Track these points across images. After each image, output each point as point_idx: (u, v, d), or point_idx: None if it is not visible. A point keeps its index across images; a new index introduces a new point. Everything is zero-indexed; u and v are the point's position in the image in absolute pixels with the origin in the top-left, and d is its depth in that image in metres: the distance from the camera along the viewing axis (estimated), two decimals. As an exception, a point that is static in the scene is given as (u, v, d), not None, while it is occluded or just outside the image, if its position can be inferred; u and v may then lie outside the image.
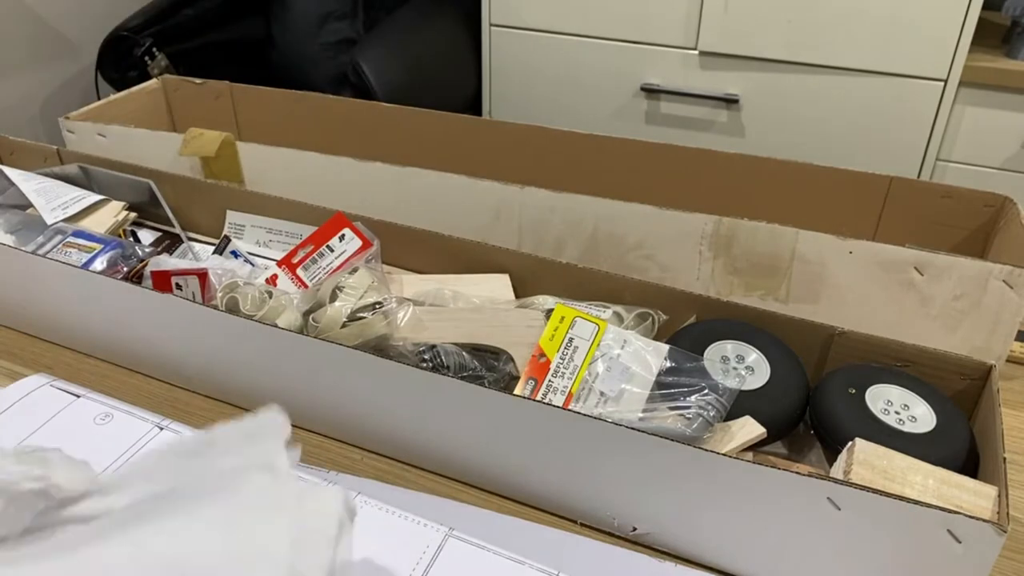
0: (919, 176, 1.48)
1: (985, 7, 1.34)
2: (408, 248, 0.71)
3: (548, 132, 0.89)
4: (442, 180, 0.77)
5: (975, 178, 1.46)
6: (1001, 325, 0.65)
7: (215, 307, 0.60)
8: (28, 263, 0.65)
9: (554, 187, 0.74)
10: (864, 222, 0.80)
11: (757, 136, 1.56)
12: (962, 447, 0.52)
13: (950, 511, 0.43)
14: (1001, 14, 1.42)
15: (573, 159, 0.89)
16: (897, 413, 0.54)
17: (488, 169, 0.92)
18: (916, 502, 0.43)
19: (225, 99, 1.04)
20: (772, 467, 0.46)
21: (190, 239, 0.78)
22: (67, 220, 0.75)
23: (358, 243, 0.68)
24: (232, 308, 0.60)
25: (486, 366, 0.59)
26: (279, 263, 0.69)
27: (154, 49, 1.49)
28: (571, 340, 0.58)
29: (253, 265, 0.72)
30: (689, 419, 0.53)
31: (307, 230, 0.74)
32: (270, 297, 0.61)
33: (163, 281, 0.65)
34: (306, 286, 0.68)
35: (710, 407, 0.53)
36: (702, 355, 0.57)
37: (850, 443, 0.50)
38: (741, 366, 0.58)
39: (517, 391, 0.56)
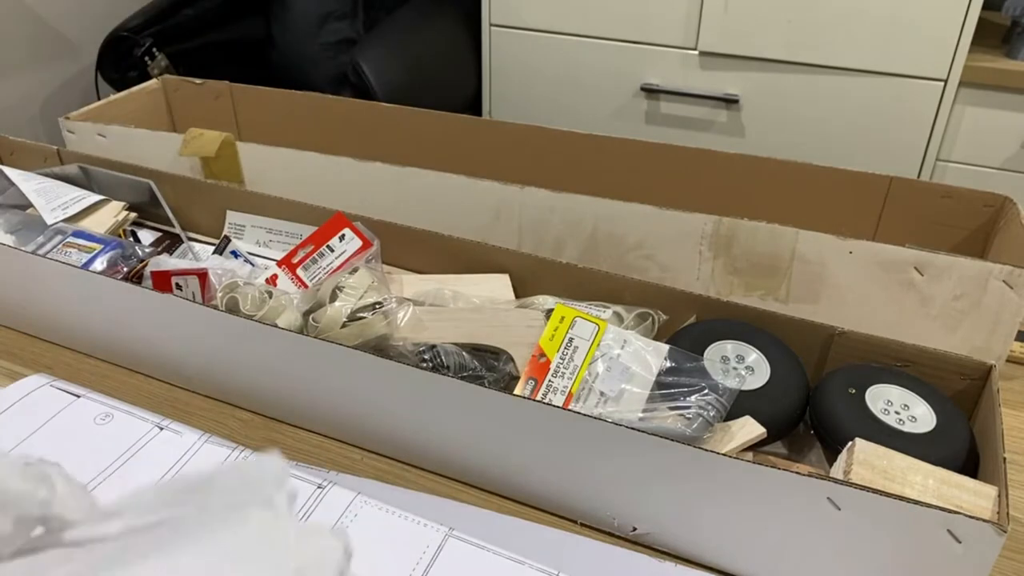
0: (919, 176, 1.48)
1: (985, 7, 1.34)
2: (408, 248, 0.71)
3: (548, 132, 0.89)
4: (442, 180, 0.77)
5: (975, 178, 1.46)
6: (1001, 325, 0.65)
7: (215, 307, 0.60)
8: (28, 263, 0.65)
9: (554, 187, 0.74)
10: (864, 222, 0.80)
11: (757, 136, 1.56)
12: (962, 447, 0.52)
13: (950, 511, 0.43)
14: (1001, 14, 1.42)
15: (573, 159, 0.89)
16: (897, 413, 0.54)
17: (488, 169, 0.92)
18: (916, 502, 0.43)
19: (225, 99, 1.04)
20: (772, 467, 0.46)
21: (190, 239, 0.78)
22: (67, 220, 0.75)
23: (358, 243, 0.68)
24: (232, 308, 0.60)
25: (486, 366, 0.59)
26: (279, 263, 0.68)
27: (154, 49, 1.49)
28: (571, 340, 0.58)
29: (253, 265, 0.72)
30: (689, 419, 0.53)
31: (307, 230, 0.74)
32: (270, 297, 0.61)
33: (163, 281, 0.65)
34: (306, 286, 0.68)
35: (710, 407, 0.53)
36: (702, 355, 0.57)
37: (850, 443, 0.50)
38: (741, 366, 0.58)
39: (517, 391, 0.56)
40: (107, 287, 0.62)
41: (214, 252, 0.74)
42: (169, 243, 0.77)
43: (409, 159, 0.89)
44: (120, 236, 0.76)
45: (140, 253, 0.71)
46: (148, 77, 1.25)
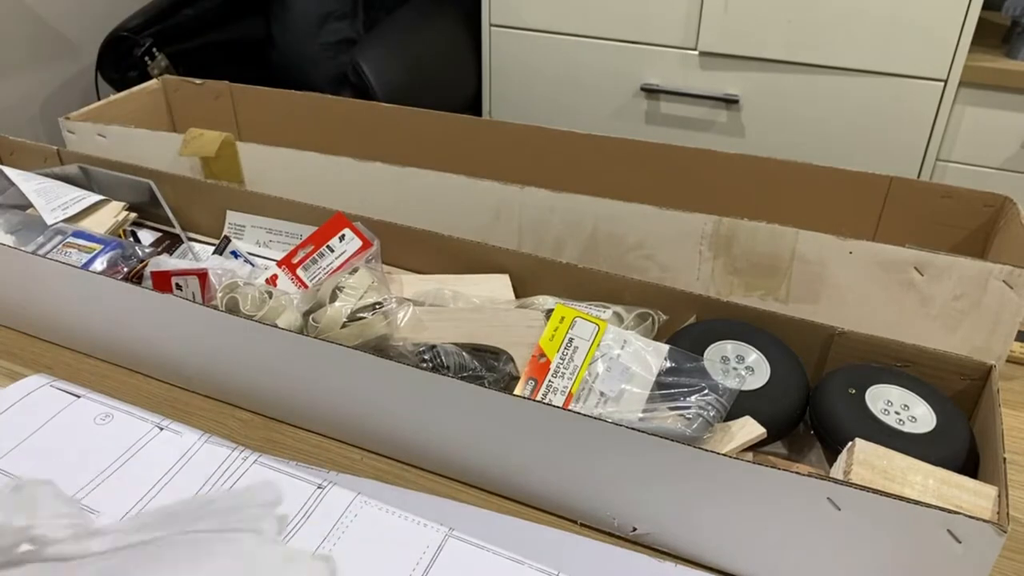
0: (919, 176, 1.48)
1: (985, 7, 1.34)
2: (408, 248, 0.71)
3: (548, 132, 0.89)
4: (442, 180, 0.77)
5: (975, 178, 1.46)
6: (1001, 325, 0.65)
7: (215, 307, 0.60)
8: (28, 263, 0.65)
9: (554, 187, 0.74)
10: (864, 222, 0.80)
11: (757, 136, 1.56)
12: (962, 447, 0.52)
13: (950, 511, 0.43)
14: (1001, 14, 1.42)
15: (573, 159, 0.89)
16: (897, 413, 0.54)
17: (488, 169, 0.92)
18: (916, 502, 0.43)
19: (225, 99, 1.04)
20: (772, 467, 0.46)
21: (190, 239, 0.78)
22: (67, 220, 0.75)
23: (358, 243, 0.68)
24: (232, 308, 0.60)
25: (486, 366, 0.59)
26: (279, 263, 0.68)
27: (154, 49, 1.49)
28: (571, 340, 0.58)
29: (253, 265, 0.72)
30: (689, 419, 0.53)
31: (307, 230, 0.74)
32: (270, 297, 0.61)
33: (163, 281, 0.65)
34: (306, 286, 0.68)
35: (710, 407, 0.53)
36: (702, 355, 0.57)
37: (850, 443, 0.50)
38: (741, 366, 0.58)
39: (517, 391, 0.56)
40: (107, 287, 0.62)
41: (214, 252, 0.74)
42: (169, 243, 0.77)
43: (409, 159, 0.89)
44: (120, 236, 0.76)
45: (140, 253, 0.71)
46: (148, 77, 1.25)
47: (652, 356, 0.57)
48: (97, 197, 0.79)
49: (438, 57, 1.66)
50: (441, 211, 0.79)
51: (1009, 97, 1.38)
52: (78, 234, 0.73)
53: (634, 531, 0.52)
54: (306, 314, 0.61)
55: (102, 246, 0.71)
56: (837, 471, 0.50)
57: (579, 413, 0.49)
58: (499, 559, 0.50)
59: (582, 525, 0.54)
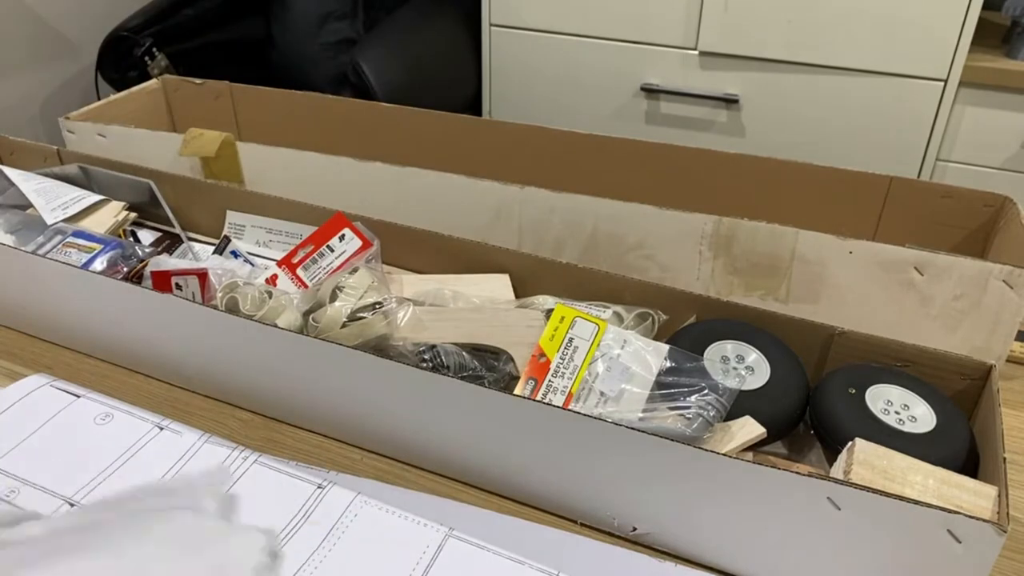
0: (919, 176, 1.48)
1: (985, 7, 1.34)
2: (408, 248, 0.71)
3: (548, 132, 0.89)
4: (442, 180, 0.77)
5: (975, 178, 1.46)
6: (1001, 325, 0.65)
7: (215, 307, 0.60)
8: (28, 263, 0.65)
9: (554, 187, 0.74)
10: (864, 222, 0.80)
11: (757, 136, 1.56)
12: (962, 447, 0.52)
13: (950, 511, 0.43)
14: (1001, 14, 1.42)
15: (573, 159, 0.89)
16: (897, 413, 0.54)
17: (488, 169, 0.92)
18: (916, 502, 0.43)
19: (225, 99, 1.04)
20: (772, 467, 0.46)
21: (190, 239, 0.78)
22: (67, 220, 0.75)
23: (358, 243, 0.68)
24: (232, 308, 0.60)
25: (486, 366, 0.59)
26: (279, 263, 0.68)
27: (154, 49, 1.49)
28: (571, 340, 0.58)
29: (253, 265, 0.72)
30: (689, 419, 0.53)
31: (307, 230, 0.74)
32: (270, 297, 0.61)
33: (163, 281, 0.65)
34: (306, 286, 0.68)
35: (710, 407, 0.53)
36: (702, 355, 0.57)
37: (850, 443, 0.50)
38: (741, 366, 0.58)
39: (517, 391, 0.56)
40: (107, 287, 0.62)
41: (214, 252, 0.74)
42: (169, 243, 0.77)
43: (409, 159, 0.89)
44: (120, 236, 0.76)
45: (140, 253, 0.71)
46: (148, 77, 1.25)
47: (652, 356, 0.57)
48: (97, 197, 0.79)
49: (438, 57, 1.66)
50: (441, 211, 0.79)
51: (1009, 97, 1.38)
52: (78, 234, 0.73)
53: (634, 531, 0.52)
54: (306, 314, 0.61)
55: (102, 246, 0.71)
56: (837, 471, 0.50)
57: (579, 413, 0.49)
58: (499, 559, 0.50)
59: (582, 525, 0.54)
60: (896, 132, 1.45)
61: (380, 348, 0.59)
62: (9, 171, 0.79)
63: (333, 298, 0.61)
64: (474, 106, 1.75)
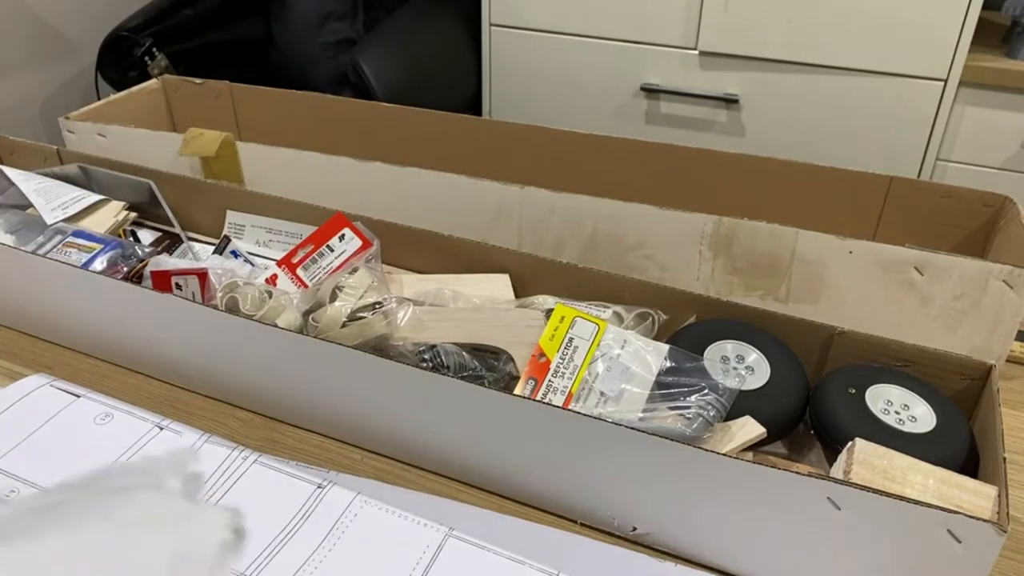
0: (919, 176, 1.48)
1: (985, 7, 1.34)
2: (408, 248, 0.71)
3: (548, 132, 0.89)
4: (442, 180, 0.77)
5: (975, 178, 1.46)
6: (1001, 325, 0.65)
7: (215, 307, 0.60)
8: (28, 263, 0.65)
9: (554, 187, 0.74)
10: (864, 222, 0.80)
11: (757, 136, 1.56)
12: (962, 447, 0.52)
13: (950, 511, 0.43)
14: (1001, 14, 1.42)
15: (573, 159, 0.89)
16: (897, 413, 0.54)
17: (488, 169, 0.92)
18: (916, 502, 0.43)
19: (225, 99, 1.04)
20: (772, 467, 0.46)
21: (190, 239, 0.78)
22: (67, 220, 0.75)
23: (358, 243, 0.68)
24: (232, 308, 0.60)
25: (486, 366, 0.59)
26: (279, 263, 0.68)
27: (154, 49, 1.49)
28: (571, 340, 0.58)
29: (253, 265, 0.72)
30: (689, 419, 0.53)
31: (307, 230, 0.74)
32: (270, 297, 0.61)
33: (163, 281, 0.65)
34: (306, 286, 0.68)
35: (710, 407, 0.53)
36: (702, 355, 0.57)
37: (850, 443, 0.50)
38: (741, 366, 0.58)
39: (517, 391, 0.56)
40: (107, 287, 0.62)
41: (214, 252, 0.74)
42: (169, 243, 0.77)
43: (409, 159, 0.89)
44: (120, 236, 0.76)
45: (140, 253, 0.71)
46: (148, 77, 1.25)
47: (652, 356, 0.57)
48: (97, 197, 0.79)
49: (438, 57, 1.66)
50: (441, 211, 0.79)
51: (1009, 97, 1.38)
52: (78, 234, 0.73)
53: (634, 531, 0.52)
54: (306, 314, 0.61)
55: (102, 246, 0.71)
56: (837, 471, 0.50)
57: (579, 413, 0.49)
58: (499, 559, 0.50)
59: (582, 525, 0.54)
60: (896, 132, 1.45)
61: (380, 348, 0.59)
62: (9, 171, 0.79)
63: (333, 298, 0.61)
64: (474, 106, 1.75)
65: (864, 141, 1.48)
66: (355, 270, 0.63)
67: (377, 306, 0.60)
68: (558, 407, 0.49)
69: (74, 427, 0.59)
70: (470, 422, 0.53)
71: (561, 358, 0.57)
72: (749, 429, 0.52)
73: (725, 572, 0.51)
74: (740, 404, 0.54)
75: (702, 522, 0.49)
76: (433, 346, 0.59)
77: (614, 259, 0.75)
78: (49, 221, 0.74)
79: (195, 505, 0.50)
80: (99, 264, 0.70)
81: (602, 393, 0.56)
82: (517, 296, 0.66)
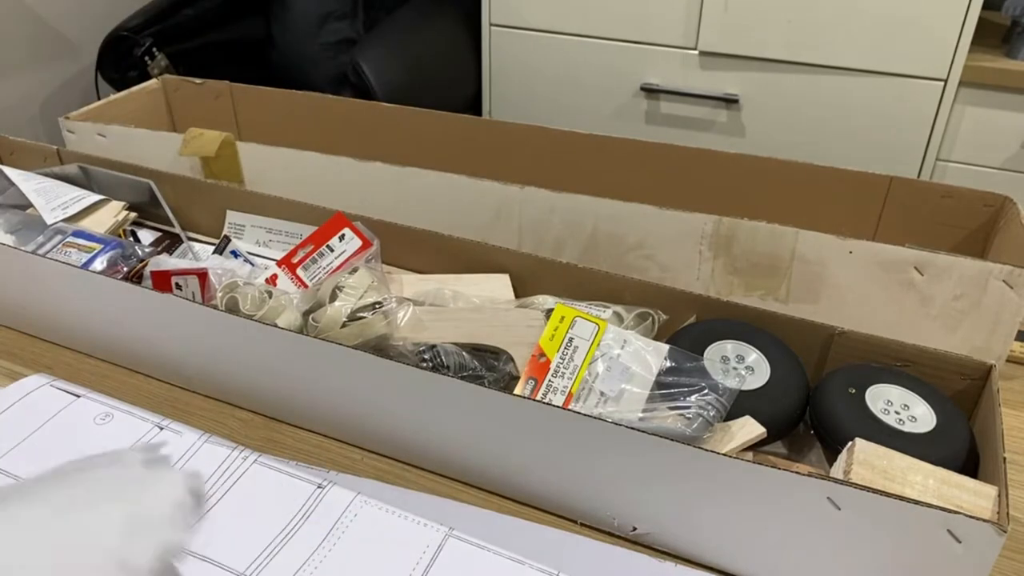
0: (919, 176, 1.48)
1: (985, 7, 1.34)
2: (408, 248, 0.71)
3: (548, 132, 0.89)
4: (442, 180, 0.77)
5: (975, 178, 1.46)
6: (1001, 325, 0.65)
7: (215, 307, 0.60)
8: (28, 263, 0.65)
9: (554, 187, 0.74)
10: (864, 222, 0.80)
11: (757, 136, 1.56)
12: (962, 447, 0.52)
13: (950, 511, 0.43)
14: (1001, 14, 1.42)
15: (573, 159, 0.89)
16: (897, 413, 0.54)
17: (488, 169, 0.92)
18: (916, 502, 0.43)
19: (225, 99, 1.04)
20: (772, 467, 0.46)
21: (190, 239, 0.78)
22: (67, 220, 0.75)
23: (358, 243, 0.68)
24: (232, 308, 0.60)
25: (486, 366, 0.59)
26: (279, 263, 0.68)
27: (154, 49, 1.49)
28: (571, 340, 0.58)
29: (253, 265, 0.72)
30: (689, 419, 0.53)
31: (307, 230, 0.74)
32: (270, 297, 0.61)
33: (163, 281, 0.65)
34: (306, 286, 0.68)
35: (710, 407, 0.53)
36: (702, 355, 0.57)
37: (850, 443, 0.50)
38: (741, 366, 0.58)
39: (517, 391, 0.56)
40: (107, 287, 0.62)
41: (214, 252, 0.74)
42: (169, 243, 0.77)
43: (409, 159, 0.89)
44: (120, 236, 0.76)
45: (140, 253, 0.71)
46: (148, 77, 1.25)
47: (652, 356, 0.57)
48: (97, 197, 0.79)
49: (438, 57, 1.66)
50: (441, 211, 0.79)
51: (1009, 97, 1.38)
52: (78, 234, 0.73)
53: (634, 531, 0.52)
54: (306, 314, 0.61)
55: (102, 246, 0.71)
56: (837, 471, 0.50)
57: (579, 413, 0.49)
58: (499, 559, 0.50)
59: (582, 525, 0.54)
60: (896, 132, 1.45)
61: (380, 348, 0.59)
62: (9, 171, 0.79)
63: (333, 298, 0.61)
64: (474, 106, 1.75)
65: (864, 141, 1.48)
66: (355, 270, 0.63)
67: (377, 306, 0.60)
68: (558, 407, 0.49)
69: (74, 427, 0.59)
70: (470, 422, 0.53)
71: (561, 358, 0.57)
72: (749, 429, 0.52)
73: (725, 572, 0.51)
74: (740, 404, 0.54)
75: (702, 522, 0.49)
76: (433, 346, 0.59)
77: (614, 259, 0.75)
78: (49, 221, 0.74)
79: (151, 472, 0.51)
80: (99, 264, 0.70)
81: (602, 393, 0.56)
82: (517, 296, 0.66)
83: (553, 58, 1.63)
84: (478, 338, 0.60)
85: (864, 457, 0.48)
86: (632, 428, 0.48)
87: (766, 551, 0.49)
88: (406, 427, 0.56)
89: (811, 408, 0.56)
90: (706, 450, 0.47)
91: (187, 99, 1.04)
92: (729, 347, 0.59)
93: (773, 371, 0.57)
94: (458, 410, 0.53)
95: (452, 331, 0.60)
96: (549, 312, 0.60)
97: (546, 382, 0.56)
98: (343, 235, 0.69)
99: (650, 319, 0.62)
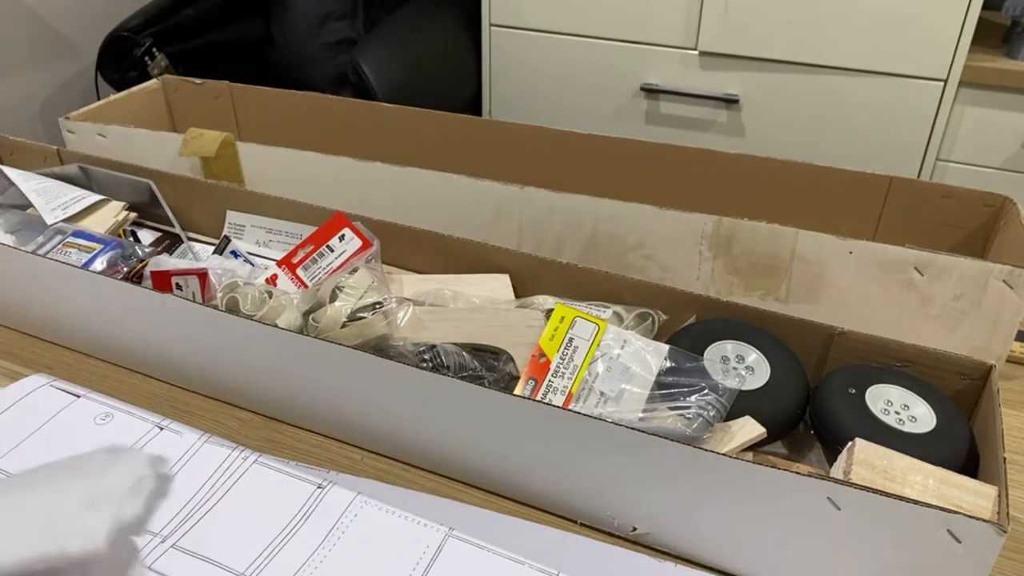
0: (919, 176, 1.48)
1: (985, 7, 1.34)
2: (408, 248, 0.71)
3: (548, 132, 0.89)
4: (442, 180, 0.77)
5: (975, 178, 1.46)
6: (1001, 325, 0.65)
7: (215, 307, 0.60)
8: (28, 263, 0.65)
9: (554, 187, 0.74)
10: (864, 222, 0.80)
11: (757, 136, 1.56)
12: (962, 447, 0.52)
13: (950, 511, 0.43)
14: (1001, 14, 1.42)
15: (573, 159, 0.89)
16: (897, 413, 0.54)
17: (488, 169, 0.92)
18: (916, 502, 0.43)
19: (225, 99, 1.04)
20: (772, 467, 0.46)
21: (190, 239, 0.78)
22: (67, 220, 0.75)
23: (358, 243, 0.68)
24: (232, 308, 0.60)
25: (486, 366, 0.59)
26: (279, 263, 0.68)
27: (154, 49, 1.49)
28: (571, 340, 0.58)
29: (253, 265, 0.72)
30: (689, 419, 0.53)
31: (307, 230, 0.74)
32: (270, 297, 0.61)
33: (163, 281, 0.65)
34: (306, 286, 0.68)
35: (710, 407, 0.53)
36: (702, 355, 0.57)
37: (850, 443, 0.50)
38: (741, 366, 0.58)
39: (517, 391, 0.56)
40: (107, 287, 0.62)
41: (214, 252, 0.74)
42: (169, 243, 0.77)
43: (409, 159, 0.89)
44: (120, 236, 0.76)
45: (140, 253, 0.71)
46: (148, 77, 1.25)
47: (652, 356, 0.57)
48: (97, 197, 0.79)
49: (438, 57, 1.66)
50: (441, 211, 0.79)
51: (1009, 97, 1.38)
52: (78, 234, 0.73)
53: (634, 531, 0.52)
54: (306, 314, 0.61)
55: (102, 246, 0.71)
56: (837, 471, 0.50)
57: (579, 413, 0.49)
58: (499, 559, 0.50)
59: (582, 525, 0.54)
60: (896, 132, 1.45)
61: (380, 348, 0.59)
62: (9, 171, 0.79)
63: (333, 298, 0.61)
64: (474, 106, 1.75)
65: (864, 141, 1.48)
66: (355, 270, 0.63)
67: (377, 306, 0.60)
68: (558, 407, 0.49)
69: (74, 427, 0.59)
70: (470, 422, 0.53)
71: (561, 358, 0.57)
72: (749, 429, 0.52)
73: (725, 572, 0.51)
74: (740, 404, 0.54)
75: (702, 522, 0.49)
76: (433, 346, 0.59)
77: (614, 259, 0.75)
78: (49, 221, 0.74)
79: (115, 455, 0.51)
80: (99, 264, 0.70)
81: (602, 393, 0.56)
82: (517, 296, 0.66)
83: (553, 58, 1.63)
84: (478, 338, 0.60)
85: (864, 457, 0.48)
86: (632, 428, 0.48)
87: (766, 551, 0.49)
88: (406, 427, 0.56)
89: (811, 408, 0.56)
90: (706, 450, 0.47)
91: (187, 99, 1.04)
92: (729, 347, 0.59)
93: (773, 371, 0.57)
94: (458, 410, 0.53)
95: (452, 331, 0.60)
96: (549, 312, 0.60)
97: (546, 382, 0.56)
98: (343, 235, 0.69)
99: (650, 319, 0.62)
